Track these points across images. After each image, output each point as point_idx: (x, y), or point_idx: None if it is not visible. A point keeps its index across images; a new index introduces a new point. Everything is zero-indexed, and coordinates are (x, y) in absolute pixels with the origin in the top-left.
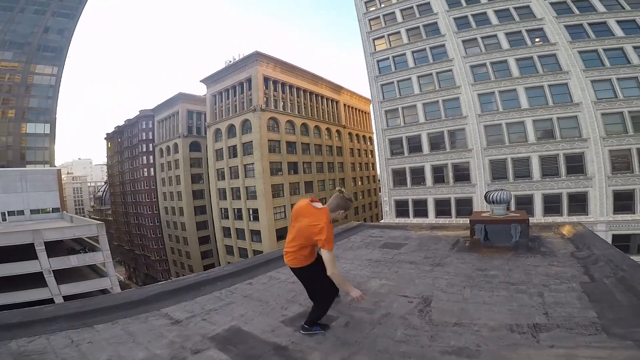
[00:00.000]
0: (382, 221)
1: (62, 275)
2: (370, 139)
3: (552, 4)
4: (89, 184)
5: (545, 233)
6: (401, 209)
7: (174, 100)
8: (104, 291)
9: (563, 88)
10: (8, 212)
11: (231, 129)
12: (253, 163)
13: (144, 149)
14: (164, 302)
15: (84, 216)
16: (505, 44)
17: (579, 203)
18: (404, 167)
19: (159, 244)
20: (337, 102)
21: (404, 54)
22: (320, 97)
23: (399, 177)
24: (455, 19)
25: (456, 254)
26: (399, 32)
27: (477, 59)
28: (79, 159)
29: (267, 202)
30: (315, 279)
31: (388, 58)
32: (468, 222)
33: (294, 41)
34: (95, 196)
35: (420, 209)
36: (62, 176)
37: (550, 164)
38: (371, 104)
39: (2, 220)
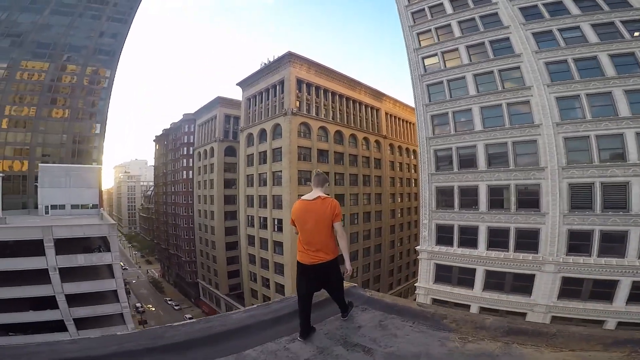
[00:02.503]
0: (417, 248)
1: (86, 273)
2: (415, 152)
3: None
4: (141, 183)
5: None
6: (444, 235)
7: (213, 104)
8: (114, 292)
9: None
10: (51, 205)
11: (262, 134)
12: (281, 170)
13: (185, 152)
14: None
15: (134, 213)
16: (592, 37)
17: None
18: (451, 185)
19: (190, 245)
20: (377, 110)
21: (456, 49)
22: (358, 104)
23: (444, 197)
24: (520, 9)
25: None
26: (449, 25)
27: (555, 55)
28: (136, 159)
29: None
30: (339, 267)
31: (436, 54)
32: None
33: (330, 44)
34: (145, 195)
35: (468, 237)
36: (119, 175)
37: None
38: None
39: (45, 213)
